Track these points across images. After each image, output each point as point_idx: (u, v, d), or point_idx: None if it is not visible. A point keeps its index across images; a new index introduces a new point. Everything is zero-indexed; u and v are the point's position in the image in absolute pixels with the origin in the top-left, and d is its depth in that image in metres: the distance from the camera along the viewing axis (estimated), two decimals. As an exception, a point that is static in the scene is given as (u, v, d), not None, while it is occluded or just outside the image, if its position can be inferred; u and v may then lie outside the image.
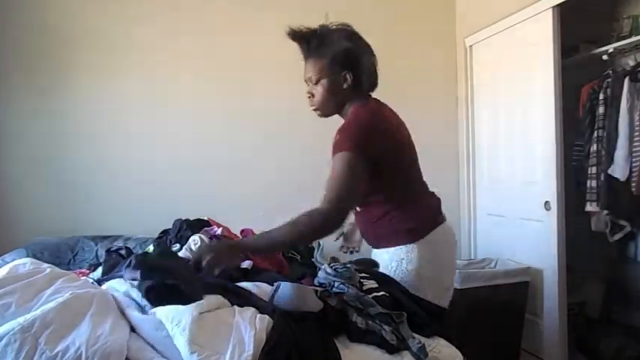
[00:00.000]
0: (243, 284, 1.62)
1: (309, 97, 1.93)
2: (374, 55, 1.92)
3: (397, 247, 1.90)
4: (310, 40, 1.87)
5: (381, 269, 1.93)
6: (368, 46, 1.91)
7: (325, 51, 1.85)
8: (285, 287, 1.49)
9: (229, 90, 3.69)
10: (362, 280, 1.69)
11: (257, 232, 2.56)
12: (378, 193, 1.91)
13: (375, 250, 2.05)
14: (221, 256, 1.60)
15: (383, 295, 1.60)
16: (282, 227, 1.67)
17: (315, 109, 1.95)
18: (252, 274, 1.85)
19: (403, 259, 1.89)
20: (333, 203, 1.68)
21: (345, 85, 1.88)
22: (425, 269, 1.88)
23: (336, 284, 1.58)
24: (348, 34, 1.88)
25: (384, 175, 1.84)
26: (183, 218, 2.50)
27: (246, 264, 1.96)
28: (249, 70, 3.70)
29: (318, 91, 1.89)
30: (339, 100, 1.91)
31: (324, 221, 1.68)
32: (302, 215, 1.67)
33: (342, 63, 1.85)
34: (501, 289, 3.23)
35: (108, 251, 2.03)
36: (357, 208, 2.00)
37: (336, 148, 1.78)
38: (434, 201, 2.06)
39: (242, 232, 2.53)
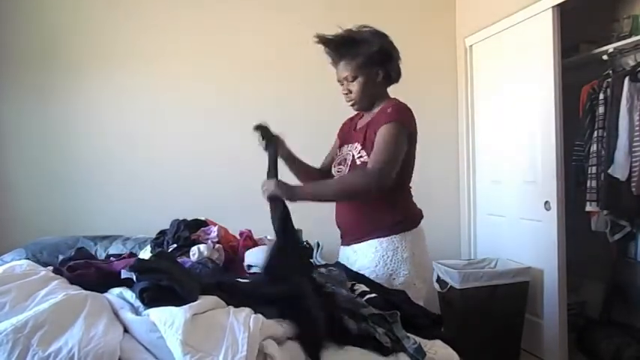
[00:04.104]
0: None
1: (346, 94, 2.13)
2: (398, 51, 2.15)
3: (391, 237, 2.04)
4: (342, 45, 2.07)
5: (373, 259, 2.04)
6: (393, 43, 2.14)
7: (359, 51, 2.05)
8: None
9: (228, 89, 3.70)
10: (353, 285, 1.70)
11: (256, 233, 2.59)
12: None
13: (360, 244, 2.12)
14: (277, 192, 1.89)
15: (375, 297, 1.60)
16: (332, 182, 2.08)
17: (352, 104, 2.16)
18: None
19: (398, 247, 2.04)
20: (377, 166, 1.91)
21: (377, 80, 2.11)
22: (417, 257, 2.07)
23: (329, 286, 1.57)
24: (377, 33, 2.09)
25: (403, 163, 2.01)
26: (181, 218, 2.50)
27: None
28: (247, 69, 3.70)
29: (355, 87, 2.09)
30: (373, 94, 2.13)
31: (367, 182, 1.92)
32: (350, 174, 2.03)
33: (375, 61, 2.07)
34: (501, 289, 3.23)
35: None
36: None
37: (385, 119, 1.99)
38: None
39: (241, 234, 2.53)
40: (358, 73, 2.07)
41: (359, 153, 2.08)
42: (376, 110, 2.13)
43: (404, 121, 2.01)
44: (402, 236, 2.05)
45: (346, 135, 2.29)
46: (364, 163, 2.02)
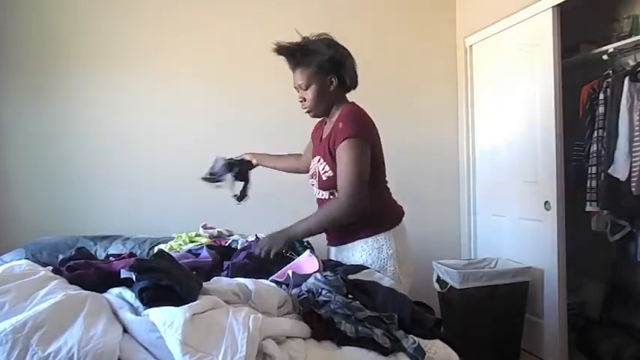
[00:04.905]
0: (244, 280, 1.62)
1: (301, 102, 2.16)
2: (353, 58, 2.15)
3: (376, 236, 2.10)
4: (296, 53, 2.09)
5: (360, 259, 2.09)
6: (346, 50, 2.14)
7: (311, 60, 2.07)
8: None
9: (228, 88, 3.70)
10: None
11: (255, 232, 2.60)
12: None
13: (346, 245, 2.17)
14: (274, 244, 1.99)
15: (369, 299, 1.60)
16: (315, 216, 2.06)
17: (307, 112, 2.19)
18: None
19: (383, 245, 2.10)
20: (349, 193, 1.97)
21: (331, 88, 2.12)
22: (400, 254, 2.12)
23: (324, 292, 1.57)
24: (329, 42, 2.10)
25: (371, 166, 2.06)
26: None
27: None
28: (247, 68, 3.70)
29: (309, 95, 2.12)
30: (328, 101, 2.15)
31: (344, 211, 1.99)
32: (329, 205, 2.06)
33: (327, 69, 2.09)
34: (501, 289, 3.23)
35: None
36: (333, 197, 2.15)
37: (340, 137, 2.00)
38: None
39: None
40: (311, 81, 2.10)
41: (323, 169, 2.12)
42: (335, 117, 2.15)
43: (358, 133, 2.01)
44: (386, 234, 2.11)
45: (315, 145, 2.33)
46: (329, 179, 2.09)
